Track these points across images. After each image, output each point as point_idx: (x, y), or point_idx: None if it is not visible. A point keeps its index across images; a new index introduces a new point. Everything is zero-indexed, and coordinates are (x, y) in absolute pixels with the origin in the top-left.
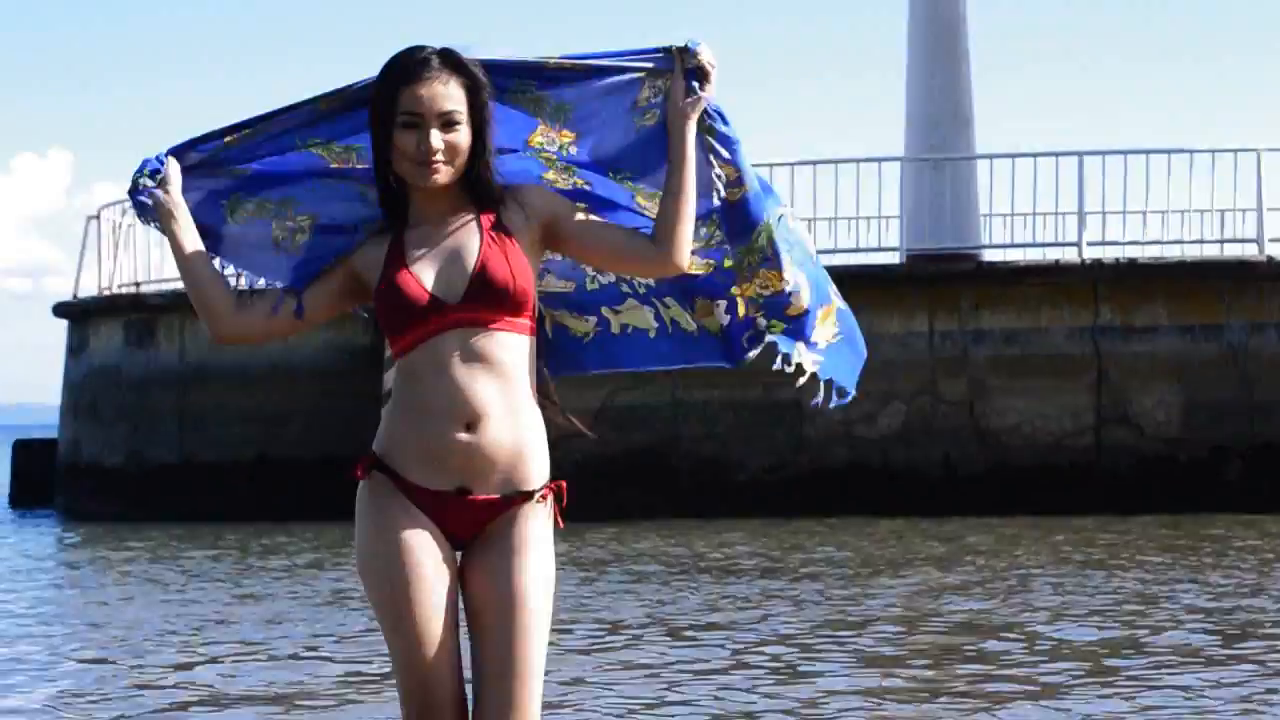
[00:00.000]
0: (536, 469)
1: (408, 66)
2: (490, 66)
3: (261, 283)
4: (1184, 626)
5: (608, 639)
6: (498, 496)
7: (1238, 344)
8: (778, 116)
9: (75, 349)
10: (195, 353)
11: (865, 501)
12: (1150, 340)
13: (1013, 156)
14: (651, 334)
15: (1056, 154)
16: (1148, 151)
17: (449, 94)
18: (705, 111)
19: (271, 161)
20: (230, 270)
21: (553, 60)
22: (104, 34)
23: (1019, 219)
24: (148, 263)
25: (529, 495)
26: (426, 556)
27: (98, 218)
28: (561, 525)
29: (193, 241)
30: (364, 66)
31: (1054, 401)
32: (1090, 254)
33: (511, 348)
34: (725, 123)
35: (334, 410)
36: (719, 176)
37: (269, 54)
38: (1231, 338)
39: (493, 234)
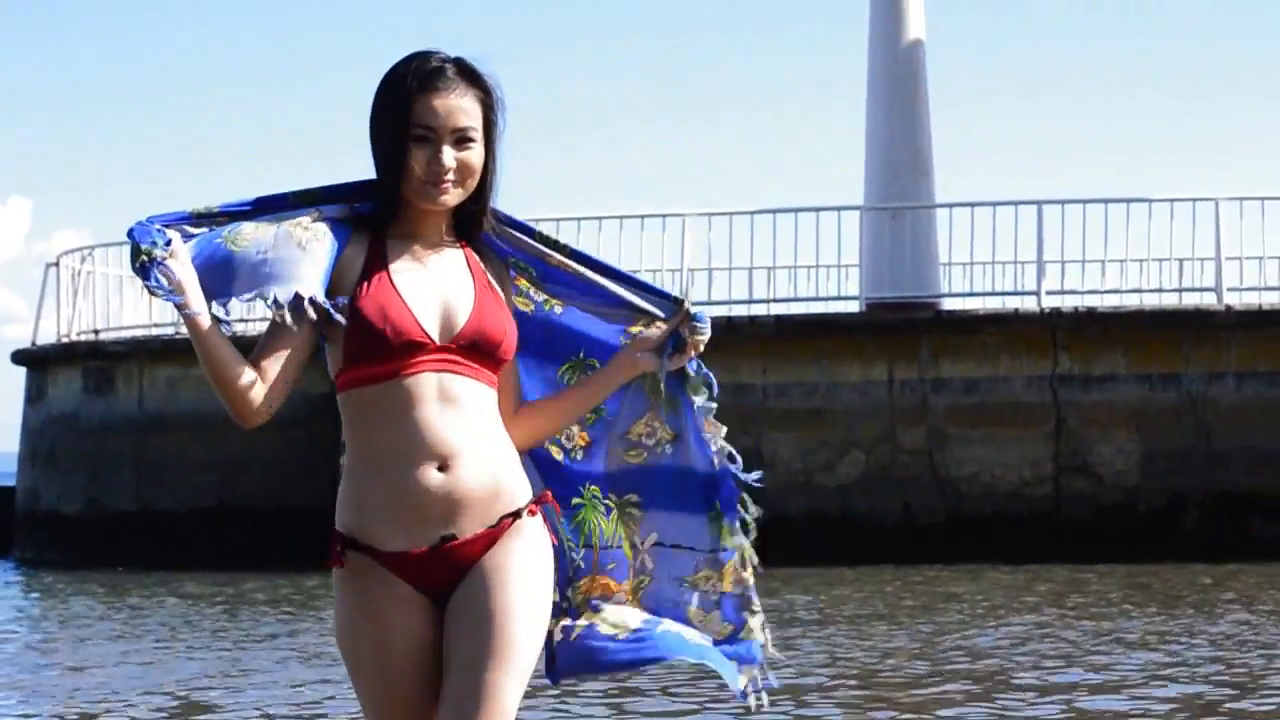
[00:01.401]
0: (520, 492)
1: (421, 74)
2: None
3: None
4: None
5: (587, 688)
6: (483, 530)
7: (1196, 393)
8: (737, 164)
9: (33, 396)
10: (154, 400)
11: (824, 550)
12: (1109, 389)
13: (972, 205)
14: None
15: (1016, 203)
16: (1106, 201)
17: (465, 108)
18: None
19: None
20: (257, 303)
21: (555, 258)
22: (64, 81)
23: (978, 267)
24: (106, 310)
25: (516, 515)
26: (407, 639)
27: (57, 265)
28: (555, 541)
29: (208, 319)
30: (338, 111)
31: (1013, 450)
32: (1049, 303)
33: (481, 395)
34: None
35: (293, 459)
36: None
37: (233, 102)
38: (1190, 386)
39: (485, 280)
